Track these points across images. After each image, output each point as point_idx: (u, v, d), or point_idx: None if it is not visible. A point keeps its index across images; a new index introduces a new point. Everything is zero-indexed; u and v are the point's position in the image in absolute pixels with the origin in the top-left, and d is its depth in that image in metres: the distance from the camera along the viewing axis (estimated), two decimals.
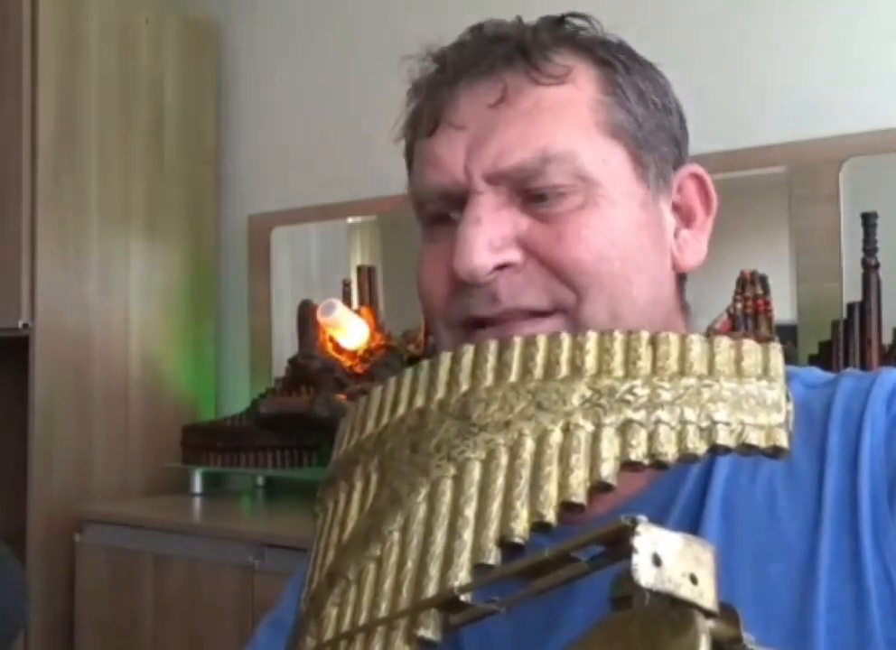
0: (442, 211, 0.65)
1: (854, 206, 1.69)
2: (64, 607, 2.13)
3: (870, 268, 1.64)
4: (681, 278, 0.69)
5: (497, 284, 0.61)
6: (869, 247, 1.64)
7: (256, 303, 2.53)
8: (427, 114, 0.65)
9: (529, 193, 0.61)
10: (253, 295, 2.53)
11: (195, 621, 1.90)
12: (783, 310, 1.77)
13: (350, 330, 2.21)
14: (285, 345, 2.40)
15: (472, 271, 0.60)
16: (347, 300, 2.28)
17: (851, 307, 1.65)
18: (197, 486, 2.30)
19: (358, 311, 2.25)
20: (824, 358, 1.63)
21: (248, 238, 2.55)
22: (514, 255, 0.61)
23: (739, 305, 1.77)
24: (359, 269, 2.32)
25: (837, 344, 1.63)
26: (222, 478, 2.47)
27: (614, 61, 0.64)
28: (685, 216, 0.68)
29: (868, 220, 1.64)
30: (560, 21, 0.66)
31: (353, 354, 2.20)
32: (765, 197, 1.86)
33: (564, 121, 0.61)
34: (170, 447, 2.32)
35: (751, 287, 1.77)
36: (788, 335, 1.76)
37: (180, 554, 1.94)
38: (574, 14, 0.67)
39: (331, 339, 2.23)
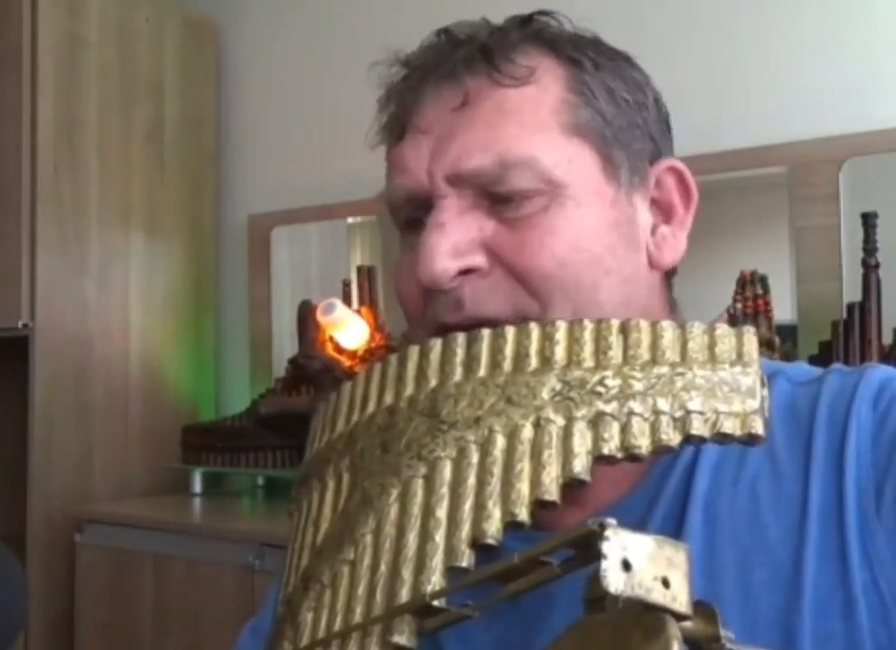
0: (413, 216, 0.64)
1: (854, 206, 1.69)
2: (64, 607, 2.13)
3: (870, 268, 1.64)
4: (668, 275, 0.68)
5: (462, 290, 0.60)
6: (869, 247, 1.64)
7: (256, 303, 2.52)
8: (396, 120, 0.65)
9: (494, 196, 0.61)
10: (253, 295, 2.53)
11: (195, 621, 1.90)
12: (783, 310, 1.77)
13: (350, 330, 2.21)
14: (285, 345, 2.40)
15: (434, 277, 0.59)
16: (347, 300, 2.28)
17: (851, 307, 1.64)
18: (197, 486, 2.29)
19: (358, 311, 2.25)
20: (824, 358, 1.62)
21: (248, 238, 2.54)
22: (479, 260, 0.60)
23: (739, 305, 1.76)
24: (359, 269, 2.32)
25: (837, 344, 1.63)
26: (222, 478, 2.47)
27: (582, 59, 0.63)
28: (664, 211, 0.66)
29: (868, 220, 1.64)
30: (528, 19, 0.65)
31: (353, 354, 2.20)
32: (765, 197, 1.86)
33: (525, 125, 0.60)
34: (170, 447, 2.32)
35: (751, 287, 1.76)
36: (788, 335, 1.75)
37: (180, 554, 1.93)
38: (542, 12, 0.66)
39: (331, 339, 2.22)
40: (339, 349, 2.22)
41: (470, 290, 0.60)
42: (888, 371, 0.61)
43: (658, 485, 0.61)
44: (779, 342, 1.72)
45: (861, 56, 1.74)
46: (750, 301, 1.76)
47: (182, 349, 2.47)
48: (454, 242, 0.59)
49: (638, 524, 0.60)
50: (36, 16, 2.15)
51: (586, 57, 0.63)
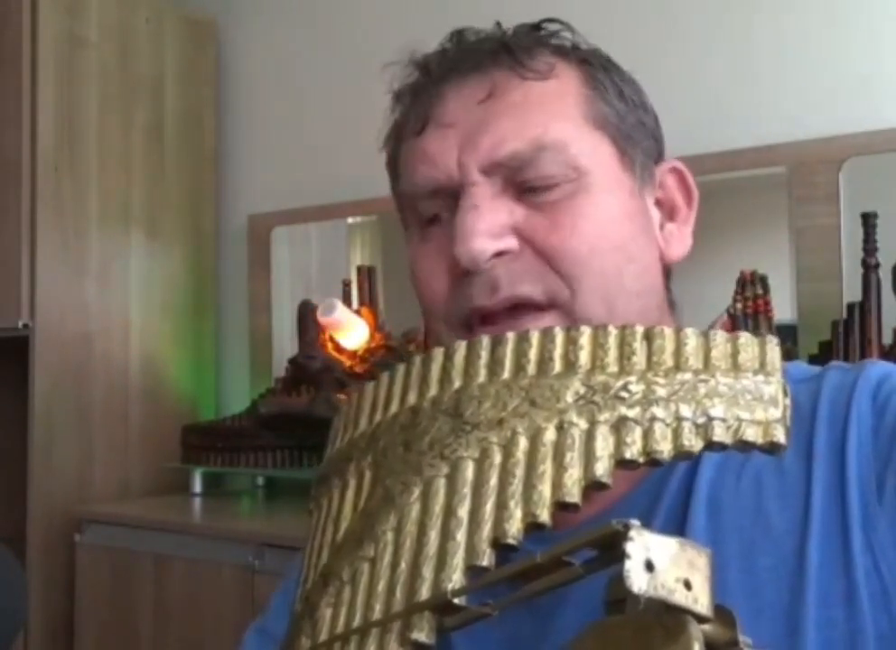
0: (433, 211, 0.65)
1: (854, 206, 1.69)
2: (64, 607, 2.13)
3: (870, 268, 1.64)
4: (667, 273, 0.70)
5: (496, 271, 0.61)
6: (869, 247, 1.65)
7: (256, 303, 2.52)
8: (414, 115, 0.66)
9: (523, 185, 0.62)
10: (253, 295, 2.53)
11: (195, 621, 1.90)
12: (783, 310, 1.77)
13: (349, 330, 2.21)
14: (285, 345, 2.40)
15: (474, 256, 0.60)
16: (347, 300, 2.28)
17: (851, 307, 1.65)
18: (197, 486, 2.29)
19: (358, 311, 2.25)
20: (824, 358, 1.63)
21: (248, 238, 2.54)
22: (511, 243, 0.62)
23: (739, 305, 1.77)
24: (359, 269, 2.32)
25: (837, 344, 1.63)
26: (222, 478, 2.47)
27: (593, 60, 0.66)
28: (668, 210, 0.69)
29: (868, 220, 1.64)
30: (537, 26, 0.68)
31: (353, 354, 2.20)
32: (765, 197, 1.86)
33: (553, 113, 0.63)
34: (170, 447, 2.32)
35: (751, 287, 1.77)
36: (788, 335, 1.75)
37: (180, 554, 1.93)
38: (549, 20, 0.68)
39: (331, 339, 2.23)
40: (339, 349, 2.22)
41: (504, 270, 0.61)
42: (886, 366, 0.62)
43: (661, 479, 0.62)
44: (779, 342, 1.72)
45: (861, 56, 1.74)
46: (750, 301, 1.76)
47: (181, 349, 2.47)
48: (489, 223, 0.61)
49: (642, 517, 0.61)
50: (36, 16, 2.15)
51: (595, 58, 0.67)
